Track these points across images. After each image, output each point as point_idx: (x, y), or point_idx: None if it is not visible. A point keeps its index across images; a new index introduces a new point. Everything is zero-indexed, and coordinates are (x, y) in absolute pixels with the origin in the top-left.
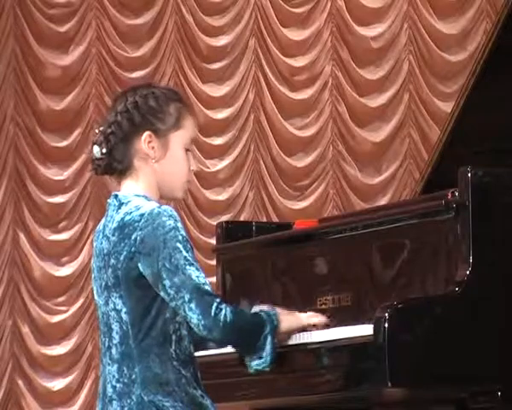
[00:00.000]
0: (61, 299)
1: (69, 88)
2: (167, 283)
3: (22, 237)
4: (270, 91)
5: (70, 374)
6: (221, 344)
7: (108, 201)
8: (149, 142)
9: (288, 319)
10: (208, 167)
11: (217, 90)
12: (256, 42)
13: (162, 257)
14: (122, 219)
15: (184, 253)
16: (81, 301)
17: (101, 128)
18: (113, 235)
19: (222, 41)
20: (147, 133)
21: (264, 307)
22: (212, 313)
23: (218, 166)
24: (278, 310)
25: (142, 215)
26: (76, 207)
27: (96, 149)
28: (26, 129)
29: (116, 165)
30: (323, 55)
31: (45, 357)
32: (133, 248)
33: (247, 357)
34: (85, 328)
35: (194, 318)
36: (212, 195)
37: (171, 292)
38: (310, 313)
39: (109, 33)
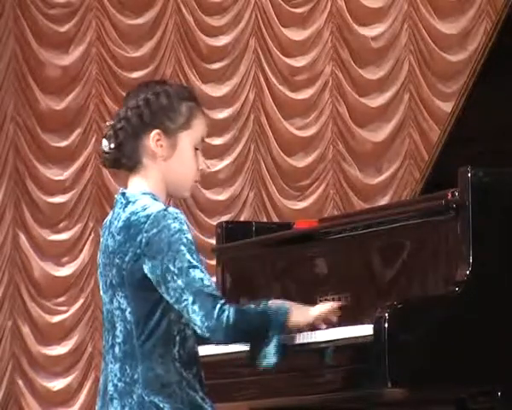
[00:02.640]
0: (61, 299)
1: (69, 88)
2: (171, 285)
3: (22, 237)
4: (270, 91)
5: (70, 374)
6: (225, 344)
7: (116, 197)
8: (158, 140)
9: (297, 314)
10: (208, 167)
11: (217, 90)
12: (256, 42)
13: (167, 260)
14: (128, 218)
15: (188, 256)
16: (81, 301)
17: (111, 122)
18: (119, 234)
19: (222, 41)
20: (155, 131)
21: (277, 302)
22: (215, 315)
23: (218, 166)
24: (289, 304)
25: (147, 216)
26: (76, 208)
27: (104, 142)
28: (26, 129)
29: (124, 160)
30: (323, 55)
31: (45, 357)
32: (138, 250)
33: (255, 354)
34: (85, 328)
35: (197, 320)
36: (212, 195)
37: (176, 295)
38: (320, 306)
39: (109, 33)
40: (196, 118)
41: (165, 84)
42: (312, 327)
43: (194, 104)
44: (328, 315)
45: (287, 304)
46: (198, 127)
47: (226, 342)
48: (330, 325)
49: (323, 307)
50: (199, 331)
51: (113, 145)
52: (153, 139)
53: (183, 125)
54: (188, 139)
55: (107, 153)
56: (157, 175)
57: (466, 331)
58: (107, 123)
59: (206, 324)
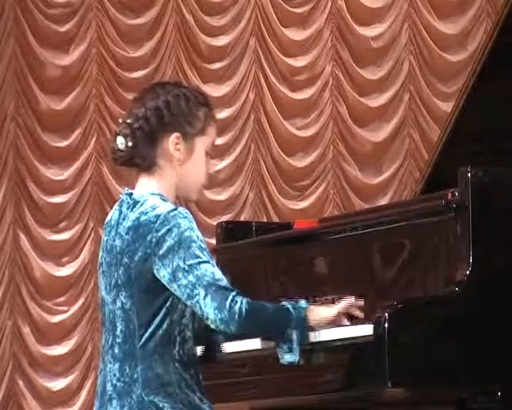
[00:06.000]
0: (61, 299)
1: (69, 88)
2: (183, 282)
3: (23, 237)
4: (270, 91)
5: (70, 374)
6: (241, 337)
7: (121, 196)
8: (177, 143)
9: (319, 310)
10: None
11: (217, 90)
12: (256, 42)
13: (177, 258)
14: (137, 218)
15: (198, 252)
16: (81, 301)
17: (127, 120)
18: (127, 234)
19: (222, 41)
20: (175, 135)
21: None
22: (227, 306)
23: (218, 166)
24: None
25: (157, 216)
26: (76, 207)
27: (120, 140)
28: (27, 129)
29: (138, 160)
30: (324, 55)
31: (45, 357)
32: (148, 250)
33: (278, 348)
34: (85, 328)
35: (210, 313)
36: (212, 195)
37: (187, 291)
38: (343, 301)
39: (109, 33)
40: (211, 124)
41: (180, 86)
42: (336, 324)
43: (209, 111)
44: (351, 310)
45: (303, 302)
46: (212, 133)
47: (240, 334)
48: (355, 321)
49: (345, 303)
50: (212, 325)
51: (130, 144)
52: (172, 142)
53: (199, 131)
54: (202, 144)
55: (121, 151)
56: (170, 177)
57: (466, 331)
58: (121, 120)
59: (218, 316)
